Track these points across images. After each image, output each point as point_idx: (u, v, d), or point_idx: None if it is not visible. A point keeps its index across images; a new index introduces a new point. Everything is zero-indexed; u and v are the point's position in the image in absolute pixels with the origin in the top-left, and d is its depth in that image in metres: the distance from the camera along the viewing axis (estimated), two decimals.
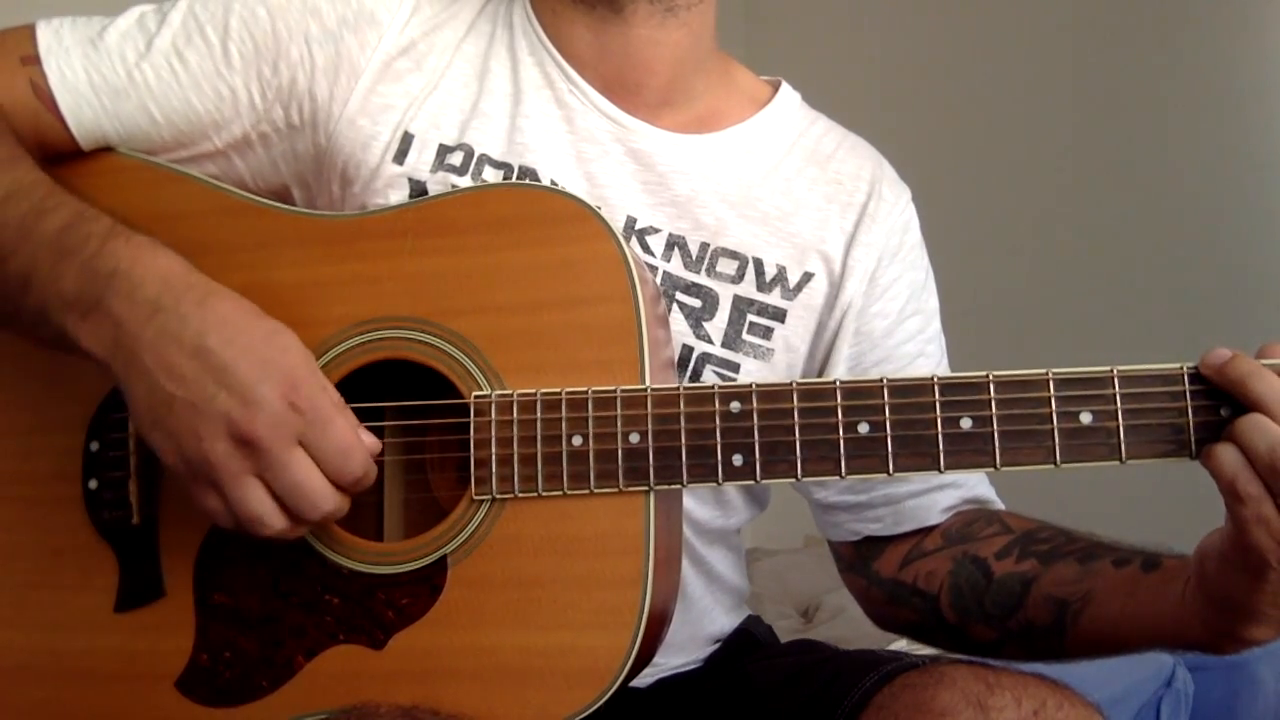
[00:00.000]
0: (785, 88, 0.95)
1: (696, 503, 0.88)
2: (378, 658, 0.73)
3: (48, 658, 0.78)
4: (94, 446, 0.79)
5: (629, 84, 0.87)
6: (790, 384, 0.71)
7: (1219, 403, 0.66)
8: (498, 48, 0.89)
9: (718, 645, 0.95)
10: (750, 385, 0.71)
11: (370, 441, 0.71)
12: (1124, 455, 0.67)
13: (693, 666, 0.92)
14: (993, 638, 0.84)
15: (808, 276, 0.89)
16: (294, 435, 0.68)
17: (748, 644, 0.96)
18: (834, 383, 0.70)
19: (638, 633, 0.70)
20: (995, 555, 0.85)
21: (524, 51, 0.89)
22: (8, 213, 0.74)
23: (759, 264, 0.88)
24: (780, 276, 0.89)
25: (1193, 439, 0.66)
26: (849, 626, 1.55)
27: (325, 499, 0.69)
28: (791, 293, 0.89)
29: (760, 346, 0.88)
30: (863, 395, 0.70)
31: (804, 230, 0.90)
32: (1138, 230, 2.32)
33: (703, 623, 0.93)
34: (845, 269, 0.90)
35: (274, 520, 0.69)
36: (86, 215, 0.74)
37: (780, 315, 0.88)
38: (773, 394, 0.71)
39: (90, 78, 0.83)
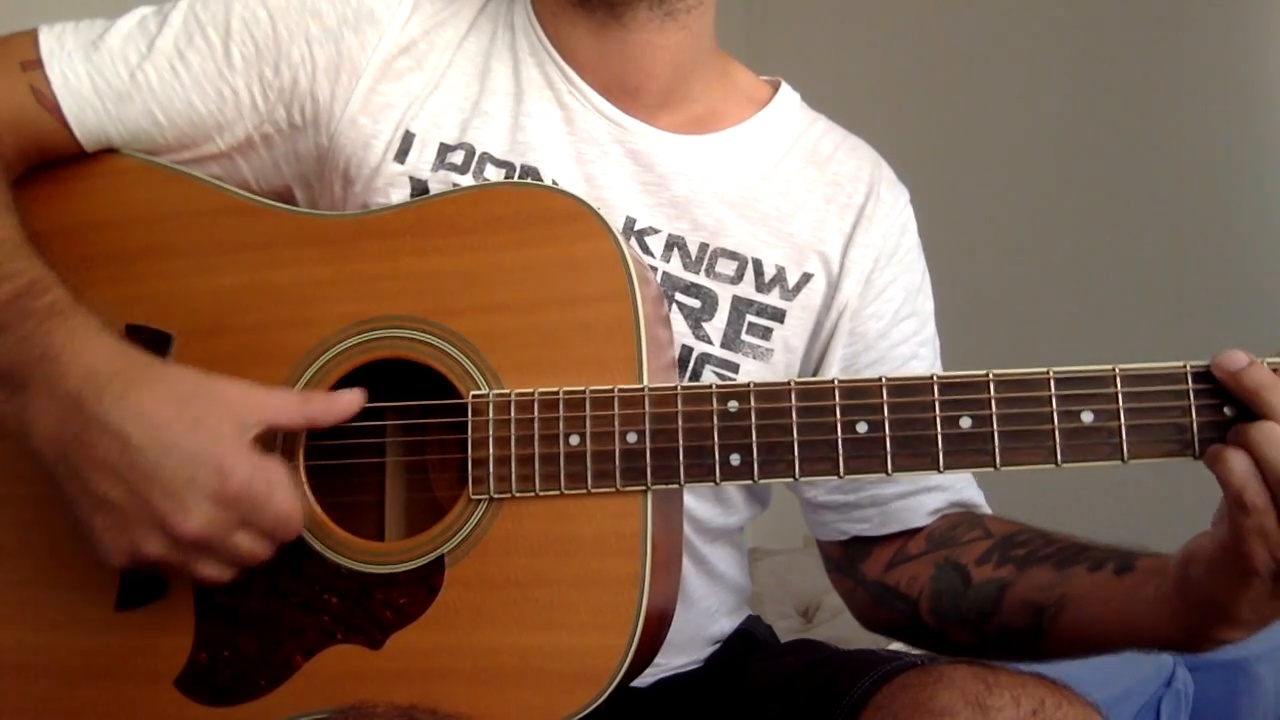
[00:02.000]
0: (785, 88, 0.95)
1: (697, 501, 0.88)
2: (375, 657, 0.73)
3: (49, 656, 0.78)
4: None
5: (628, 86, 0.87)
6: (788, 383, 0.70)
7: (1222, 402, 0.66)
8: (499, 47, 0.89)
9: (718, 645, 0.94)
10: (748, 385, 0.71)
11: (351, 403, 0.73)
12: (1126, 455, 0.66)
13: (693, 666, 0.92)
14: (971, 641, 0.84)
15: (806, 277, 0.89)
16: (233, 526, 0.70)
17: (748, 644, 0.96)
18: (832, 382, 0.70)
19: (635, 633, 0.70)
20: (975, 561, 0.85)
21: (525, 52, 0.89)
22: None
23: (758, 264, 0.88)
24: (779, 277, 0.88)
25: (1196, 438, 0.66)
26: (849, 626, 1.53)
27: (265, 555, 0.72)
28: (790, 293, 0.89)
29: (759, 347, 0.87)
30: (861, 395, 0.69)
31: (803, 231, 0.90)
32: (1138, 229, 2.32)
33: (705, 623, 0.92)
34: (842, 269, 0.90)
35: (226, 578, 0.72)
36: (36, 289, 0.73)
37: (779, 315, 0.88)
38: (771, 393, 0.70)
39: (94, 82, 0.83)
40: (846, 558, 0.93)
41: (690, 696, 0.88)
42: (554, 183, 0.85)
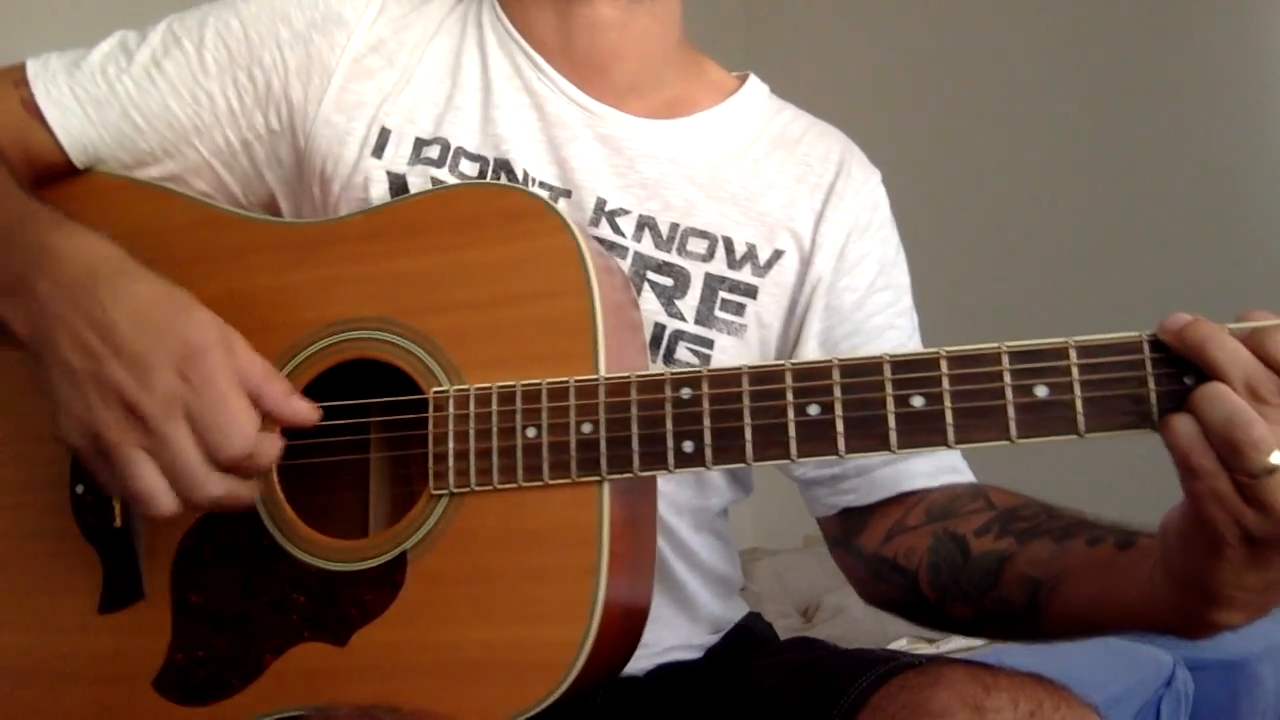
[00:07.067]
0: (753, 79, 0.97)
1: (676, 484, 0.88)
2: (341, 655, 0.73)
3: (35, 659, 0.80)
4: None
5: (594, 68, 0.89)
6: (740, 368, 0.70)
7: (1182, 371, 0.62)
8: (468, 44, 0.92)
9: (717, 637, 0.93)
10: (700, 371, 0.70)
11: (301, 413, 0.72)
12: (1083, 429, 0.63)
13: (692, 657, 0.91)
14: (969, 616, 0.82)
15: (778, 254, 0.90)
16: (180, 408, 0.68)
17: (747, 641, 0.95)
18: (784, 365, 0.69)
19: (591, 625, 0.69)
20: (975, 532, 0.83)
21: (493, 44, 0.91)
22: None
23: (729, 242, 0.89)
24: (750, 254, 0.89)
25: (1155, 410, 0.62)
26: (848, 626, 1.52)
27: (203, 479, 0.69)
28: (762, 270, 0.89)
29: (733, 323, 0.88)
30: (813, 377, 0.68)
31: (773, 209, 0.90)
32: (1136, 226, 2.32)
33: (694, 604, 0.92)
34: (814, 245, 0.90)
35: (162, 500, 0.69)
36: (26, 207, 0.76)
37: (752, 292, 0.88)
38: (723, 379, 0.69)
39: (75, 92, 0.87)
40: (844, 532, 0.92)
41: (688, 691, 0.87)
42: (525, 173, 0.86)
